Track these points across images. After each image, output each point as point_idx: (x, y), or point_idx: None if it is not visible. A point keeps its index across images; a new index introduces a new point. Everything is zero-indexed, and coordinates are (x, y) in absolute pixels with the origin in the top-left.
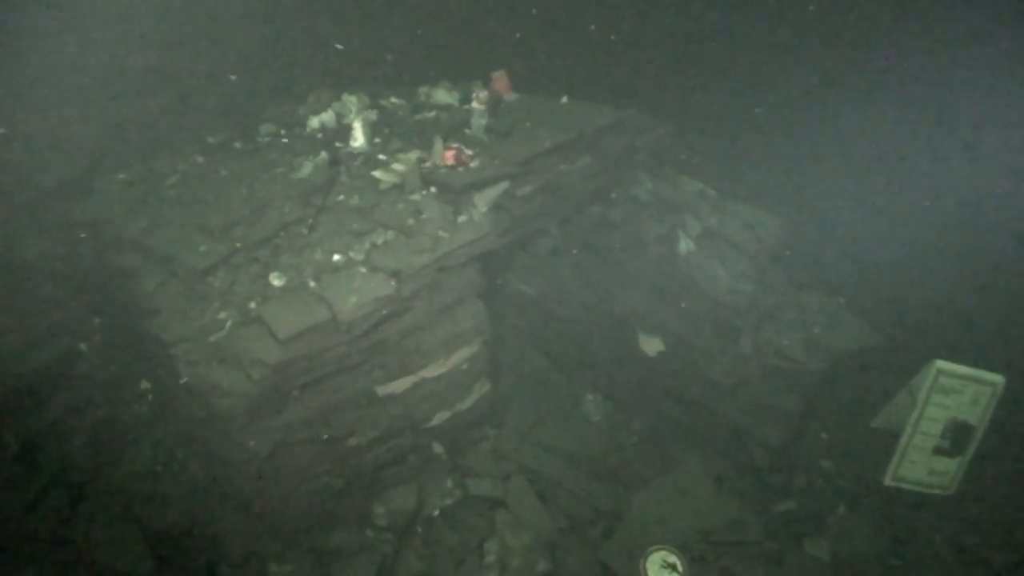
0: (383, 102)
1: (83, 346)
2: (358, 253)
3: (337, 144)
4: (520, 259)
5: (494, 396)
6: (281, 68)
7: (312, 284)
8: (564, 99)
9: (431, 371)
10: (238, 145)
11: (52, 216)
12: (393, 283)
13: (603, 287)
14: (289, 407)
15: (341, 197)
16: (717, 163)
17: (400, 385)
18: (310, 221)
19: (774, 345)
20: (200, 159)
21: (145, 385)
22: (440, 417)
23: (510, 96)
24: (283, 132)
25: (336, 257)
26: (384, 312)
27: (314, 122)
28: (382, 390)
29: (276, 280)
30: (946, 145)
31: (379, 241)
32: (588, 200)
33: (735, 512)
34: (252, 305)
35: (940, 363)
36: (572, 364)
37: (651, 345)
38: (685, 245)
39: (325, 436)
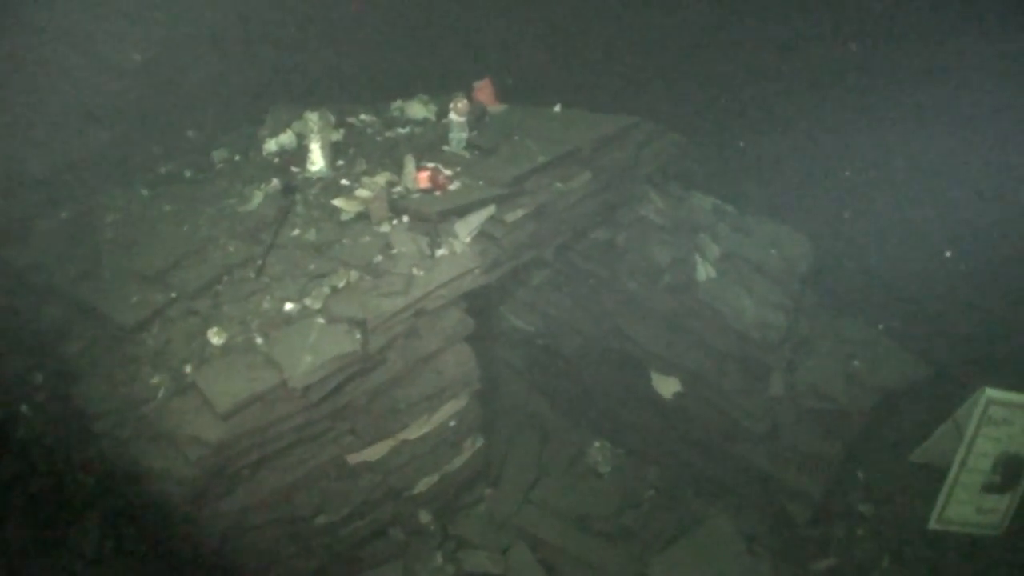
0: (351, 119)
1: (24, 408)
2: (315, 300)
3: (293, 169)
4: (514, 292)
5: (488, 451)
6: (245, 87)
7: (259, 341)
8: (557, 108)
9: (412, 432)
10: (188, 174)
11: None
12: (358, 335)
13: (610, 321)
14: (240, 488)
15: (295, 232)
16: (727, 176)
17: (376, 451)
18: (258, 262)
19: (810, 384)
20: (145, 192)
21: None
22: (426, 482)
23: (495, 107)
24: (238, 158)
25: (288, 306)
26: (349, 372)
27: (271, 145)
28: (354, 459)
29: (215, 337)
30: (981, 152)
31: (340, 284)
32: (589, 223)
33: (769, 574)
34: (188, 369)
35: (991, 391)
36: (576, 408)
37: (666, 386)
38: (704, 271)
39: (288, 517)
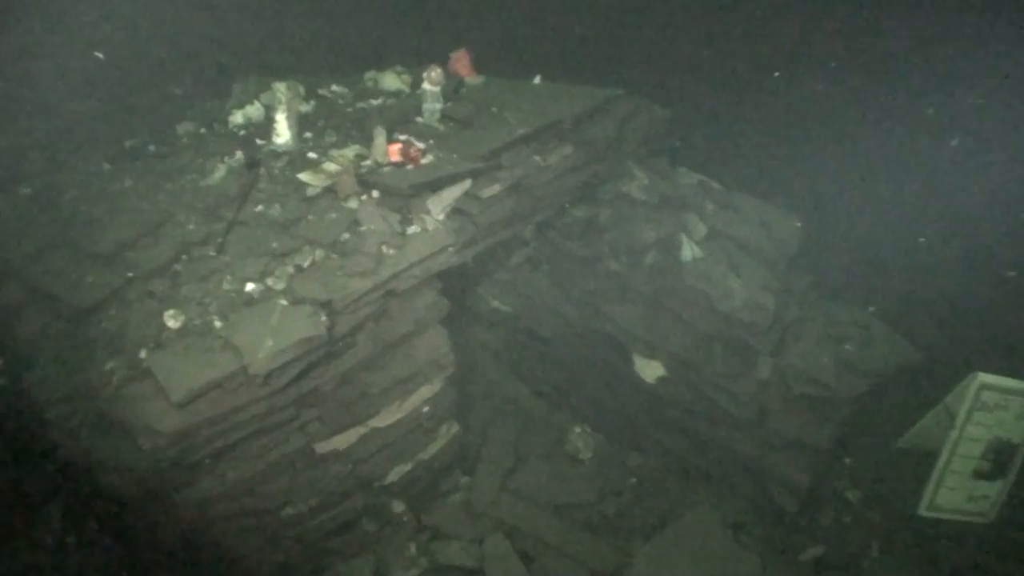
0: (322, 91)
1: None
2: (278, 280)
3: (259, 142)
4: (492, 272)
5: (464, 438)
6: (215, 59)
7: (218, 324)
8: (537, 80)
9: (383, 419)
10: (152, 149)
11: None
12: (323, 318)
13: (591, 302)
14: (201, 480)
15: (259, 208)
16: (713, 154)
17: (344, 440)
18: (219, 240)
19: (800, 369)
20: (108, 167)
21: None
22: (398, 471)
23: (472, 79)
24: (203, 131)
25: (250, 286)
26: (314, 356)
27: (238, 117)
28: (322, 447)
29: (172, 320)
30: (978, 134)
31: (305, 263)
32: (570, 199)
33: (757, 564)
34: (143, 354)
35: (983, 376)
36: (556, 393)
37: (649, 370)
38: (690, 251)
39: (253, 509)
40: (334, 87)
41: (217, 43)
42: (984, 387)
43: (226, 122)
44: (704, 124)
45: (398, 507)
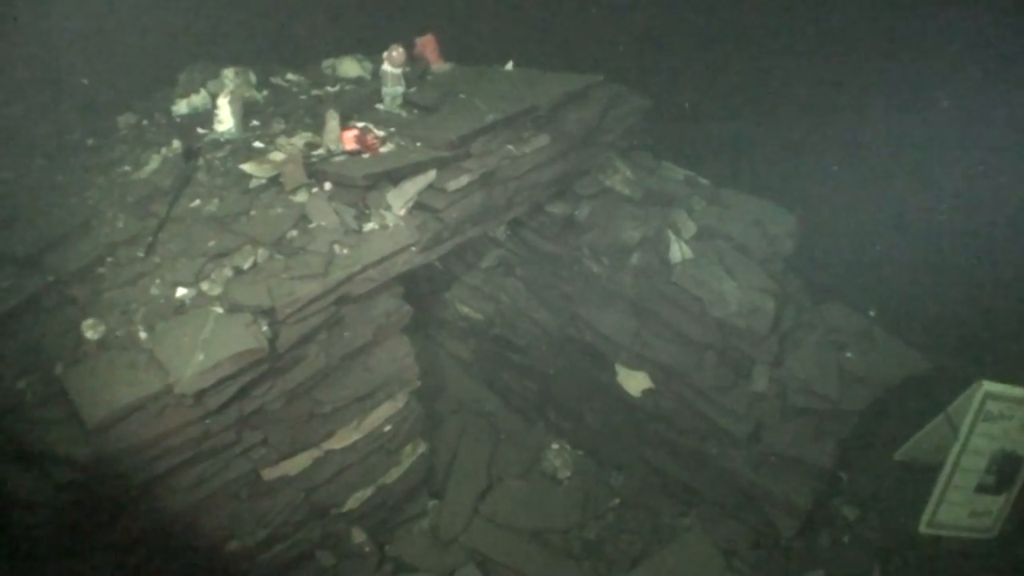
0: (275, 80)
1: None
2: (213, 284)
3: (200, 131)
4: (460, 276)
5: (432, 458)
6: (166, 48)
7: (143, 335)
8: (509, 66)
9: (339, 440)
10: (91, 142)
11: None
12: (265, 328)
13: (569, 308)
14: (127, 515)
15: (195, 202)
16: (697, 148)
17: (296, 464)
18: (149, 239)
19: (799, 379)
20: (40, 163)
21: None
22: (358, 497)
23: (440, 66)
24: (145, 122)
25: (181, 292)
26: (255, 372)
27: (182, 107)
28: (270, 474)
29: (90, 331)
30: (984, 129)
31: (245, 265)
32: (547, 195)
33: None
34: (59, 370)
35: (988, 385)
36: (532, 407)
37: (634, 381)
38: (679, 250)
39: (194, 546)
40: (289, 75)
41: (167, 32)
42: (989, 396)
43: (169, 112)
44: (688, 117)
45: (358, 537)
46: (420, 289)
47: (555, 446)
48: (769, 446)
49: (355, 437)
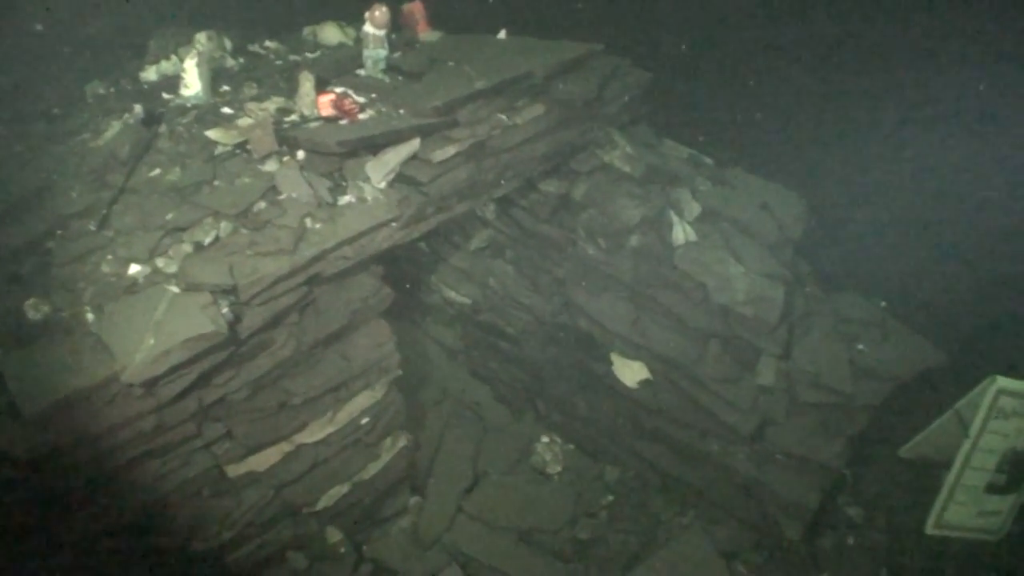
0: (253, 47)
1: None
2: (170, 261)
3: (165, 96)
4: (447, 257)
5: (413, 452)
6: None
7: (90, 317)
8: (502, 34)
9: (312, 433)
10: (56, 111)
11: None
12: (225, 310)
13: (562, 293)
14: (77, 516)
15: (155, 172)
16: (700, 125)
17: (264, 460)
18: (103, 211)
19: (809, 373)
20: (2, 132)
21: None
22: (333, 495)
23: (428, 34)
24: (113, 90)
25: (134, 269)
26: (215, 359)
27: (151, 73)
28: (235, 470)
29: (32, 311)
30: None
31: (206, 239)
32: (540, 169)
33: None
34: None
35: (1001, 380)
36: (521, 398)
37: (630, 372)
38: (682, 232)
39: (153, 547)
40: (268, 43)
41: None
42: (1002, 392)
43: (137, 79)
44: (690, 93)
45: (334, 537)
46: (402, 271)
47: (545, 439)
48: (774, 443)
49: (329, 430)
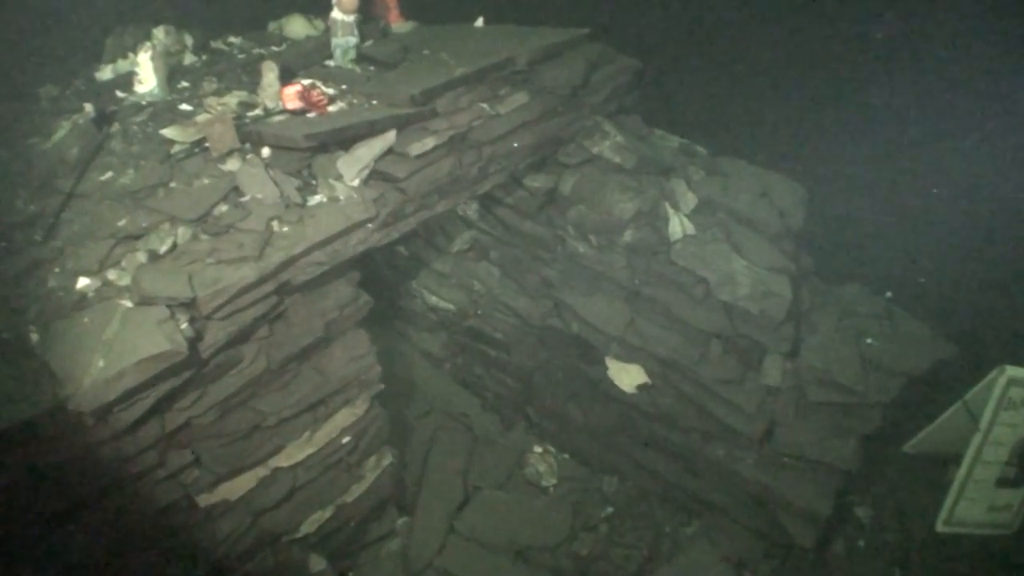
0: (216, 44)
1: None
2: (122, 272)
3: (119, 94)
4: (429, 260)
5: (400, 470)
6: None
7: (35, 338)
8: (479, 22)
9: (289, 456)
10: (8, 116)
11: None
12: (184, 325)
13: (552, 295)
14: (37, 550)
15: (107, 175)
16: (690, 114)
17: (237, 487)
18: (49, 220)
19: (817, 370)
20: None
21: None
22: (315, 520)
23: (401, 25)
24: (68, 92)
25: (83, 282)
26: (176, 380)
27: (106, 73)
28: (206, 499)
29: None
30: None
31: (162, 248)
32: (525, 163)
33: None
34: None
35: (1012, 370)
36: (511, 406)
37: (627, 376)
38: (679, 226)
39: None
40: (231, 39)
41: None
42: (1013, 383)
43: (93, 79)
44: (681, 80)
45: (317, 564)
46: (381, 276)
47: (538, 449)
48: (783, 446)
49: (308, 452)
